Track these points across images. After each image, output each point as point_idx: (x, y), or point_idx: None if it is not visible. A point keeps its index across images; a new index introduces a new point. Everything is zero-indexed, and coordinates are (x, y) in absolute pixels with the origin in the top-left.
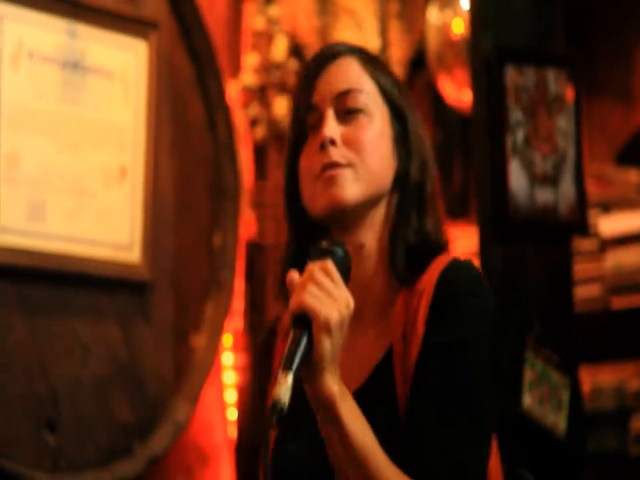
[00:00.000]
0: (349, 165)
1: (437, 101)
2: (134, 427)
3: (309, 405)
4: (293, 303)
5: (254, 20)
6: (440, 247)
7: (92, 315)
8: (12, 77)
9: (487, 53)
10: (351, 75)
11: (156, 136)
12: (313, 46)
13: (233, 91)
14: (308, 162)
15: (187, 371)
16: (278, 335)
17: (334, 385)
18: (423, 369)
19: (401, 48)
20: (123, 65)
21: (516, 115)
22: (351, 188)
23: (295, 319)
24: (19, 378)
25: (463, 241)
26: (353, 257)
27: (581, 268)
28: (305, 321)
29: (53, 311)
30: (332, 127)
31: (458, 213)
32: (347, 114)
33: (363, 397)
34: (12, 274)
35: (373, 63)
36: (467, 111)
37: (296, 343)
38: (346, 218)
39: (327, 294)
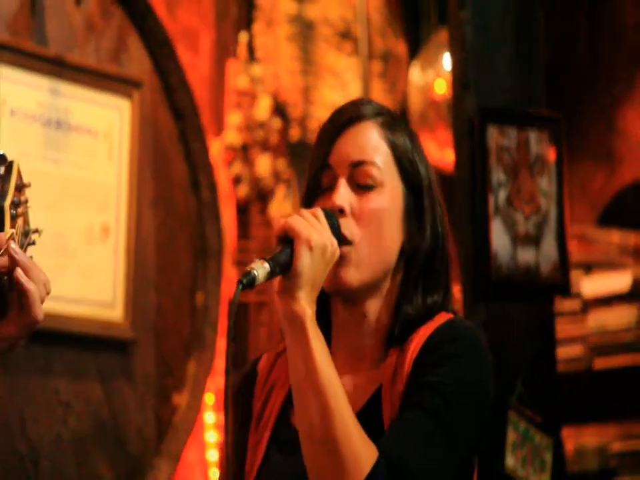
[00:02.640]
0: (352, 240)
1: None
2: None
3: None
4: (277, 226)
5: (237, 79)
6: (436, 311)
7: (73, 372)
8: None
9: (469, 113)
10: (369, 144)
11: (138, 194)
12: (296, 105)
13: (215, 149)
14: None
15: (169, 430)
16: (258, 375)
17: (307, 306)
18: (403, 404)
19: None
20: (106, 123)
21: (498, 175)
22: (355, 271)
23: (278, 240)
24: None
25: None
26: (355, 323)
27: (563, 328)
28: (286, 241)
29: (34, 368)
30: (343, 196)
31: None
32: (359, 186)
33: None
34: None
35: (393, 126)
36: (450, 171)
37: (277, 249)
38: (349, 295)
39: (311, 224)
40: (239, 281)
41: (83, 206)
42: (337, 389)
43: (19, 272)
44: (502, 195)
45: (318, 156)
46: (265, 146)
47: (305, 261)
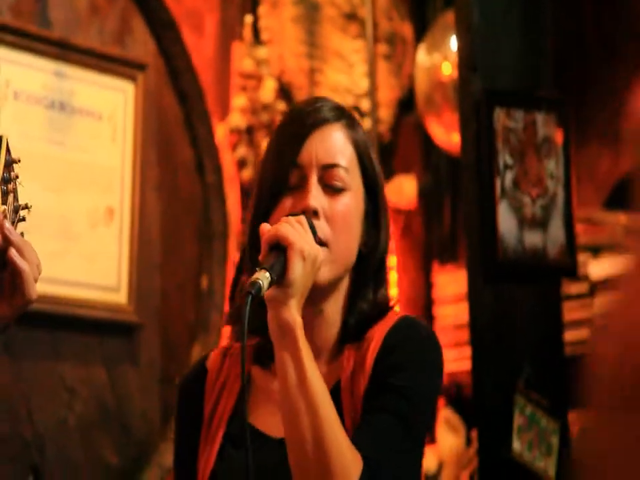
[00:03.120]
0: (326, 242)
1: (425, 143)
2: (120, 471)
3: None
4: (268, 234)
5: (242, 62)
6: (387, 309)
7: (78, 357)
8: None
9: (476, 95)
10: (338, 146)
11: (143, 177)
12: (301, 88)
13: (221, 132)
14: None
15: (174, 414)
16: (208, 373)
17: (297, 315)
18: (369, 406)
19: (389, 90)
20: (110, 105)
21: (505, 157)
22: (325, 271)
23: (269, 248)
24: (4, 421)
25: (452, 285)
26: (311, 319)
27: (570, 311)
28: (278, 249)
29: (39, 353)
30: (317, 197)
31: (447, 256)
32: (329, 188)
33: None
34: None
35: (355, 127)
36: (456, 154)
37: (271, 258)
38: (313, 294)
39: (300, 232)
40: (249, 292)
41: (86, 189)
42: (326, 398)
43: (12, 252)
44: (509, 177)
45: (284, 155)
46: (270, 128)
47: (298, 271)
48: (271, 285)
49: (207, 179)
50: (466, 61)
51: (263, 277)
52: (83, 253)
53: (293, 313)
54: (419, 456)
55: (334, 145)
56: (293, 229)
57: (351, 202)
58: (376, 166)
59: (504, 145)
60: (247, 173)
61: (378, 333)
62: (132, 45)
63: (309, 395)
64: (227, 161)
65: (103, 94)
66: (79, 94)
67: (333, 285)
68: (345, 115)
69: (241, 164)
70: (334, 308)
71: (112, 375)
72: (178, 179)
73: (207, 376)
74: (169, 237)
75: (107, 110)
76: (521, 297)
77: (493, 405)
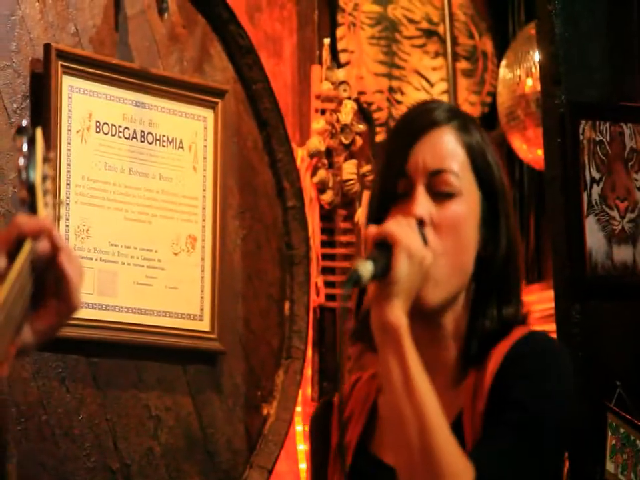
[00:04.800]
0: (434, 254)
1: (508, 159)
2: None
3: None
4: (374, 231)
5: (321, 84)
6: (515, 324)
7: (162, 385)
8: (80, 149)
9: (560, 109)
10: (446, 151)
11: (224, 204)
12: (380, 108)
13: (300, 156)
14: None
15: (259, 441)
16: (334, 407)
17: (403, 316)
18: (488, 422)
19: (470, 106)
20: (190, 134)
21: (591, 171)
22: (435, 289)
23: (374, 245)
24: (91, 452)
25: (539, 304)
26: (429, 337)
27: None
28: (386, 247)
29: (124, 383)
30: (423, 205)
31: (533, 274)
32: (438, 194)
33: None
34: (83, 347)
35: (468, 128)
36: (540, 169)
37: (375, 253)
38: (427, 313)
39: (408, 231)
40: (349, 279)
41: (169, 218)
42: (434, 401)
43: (63, 257)
44: (595, 191)
45: (393, 163)
46: (349, 151)
47: (404, 269)
48: (373, 277)
49: (288, 204)
50: (549, 73)
51: (364, 267)
52: (166, 282)
53: (397, 312)
54: (545, 469)
55: (442, 149)
56: (399, 227)
57: (462, 208)
58: (494, 169)
59: (590, 159)
60: (327, 196)
61: (500, 350)
62: (211, 72)
63: (415, 398)
64: (307, 184)
65: (183, 122)
66: (158, 123)
67: (449, 302)
68: (457, 117)
69: (321, 187)
70: (453, 322)
71: (196, 403)
72: (258, 205)
73: (333, 409)
74: (250, 263)
75: (187, 138)
76: (610, 314)
77: (585, 426)
